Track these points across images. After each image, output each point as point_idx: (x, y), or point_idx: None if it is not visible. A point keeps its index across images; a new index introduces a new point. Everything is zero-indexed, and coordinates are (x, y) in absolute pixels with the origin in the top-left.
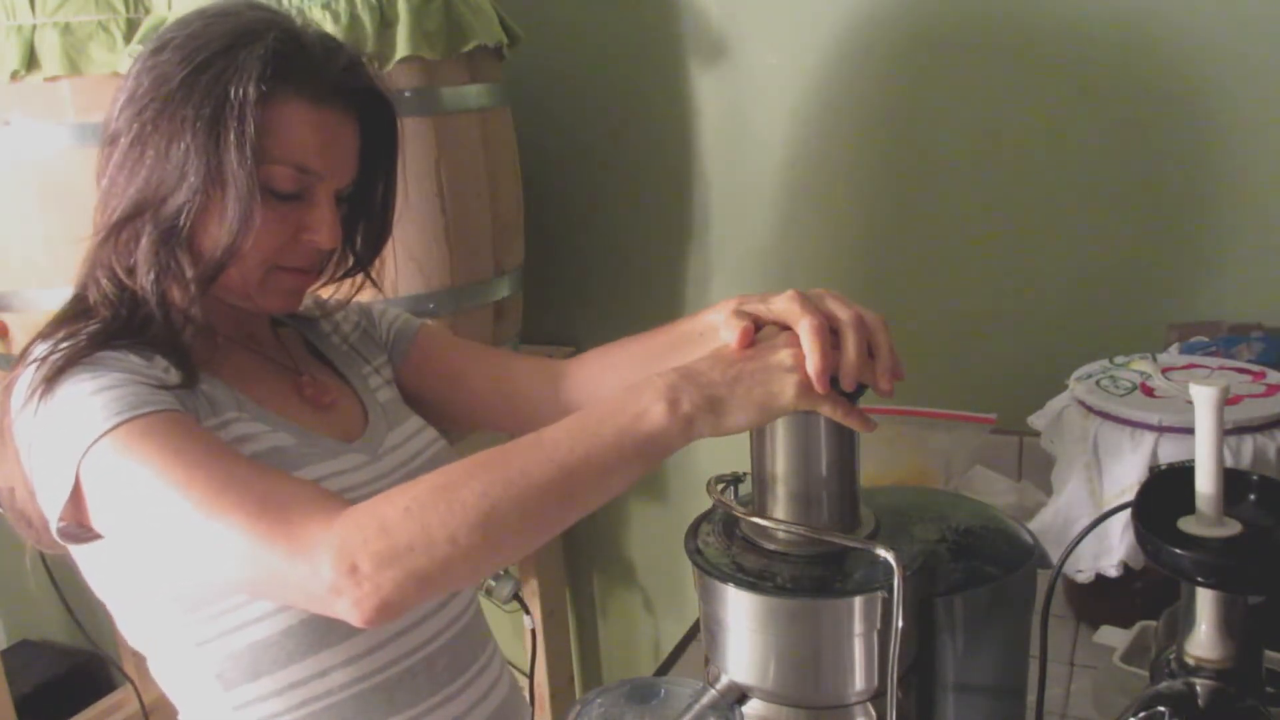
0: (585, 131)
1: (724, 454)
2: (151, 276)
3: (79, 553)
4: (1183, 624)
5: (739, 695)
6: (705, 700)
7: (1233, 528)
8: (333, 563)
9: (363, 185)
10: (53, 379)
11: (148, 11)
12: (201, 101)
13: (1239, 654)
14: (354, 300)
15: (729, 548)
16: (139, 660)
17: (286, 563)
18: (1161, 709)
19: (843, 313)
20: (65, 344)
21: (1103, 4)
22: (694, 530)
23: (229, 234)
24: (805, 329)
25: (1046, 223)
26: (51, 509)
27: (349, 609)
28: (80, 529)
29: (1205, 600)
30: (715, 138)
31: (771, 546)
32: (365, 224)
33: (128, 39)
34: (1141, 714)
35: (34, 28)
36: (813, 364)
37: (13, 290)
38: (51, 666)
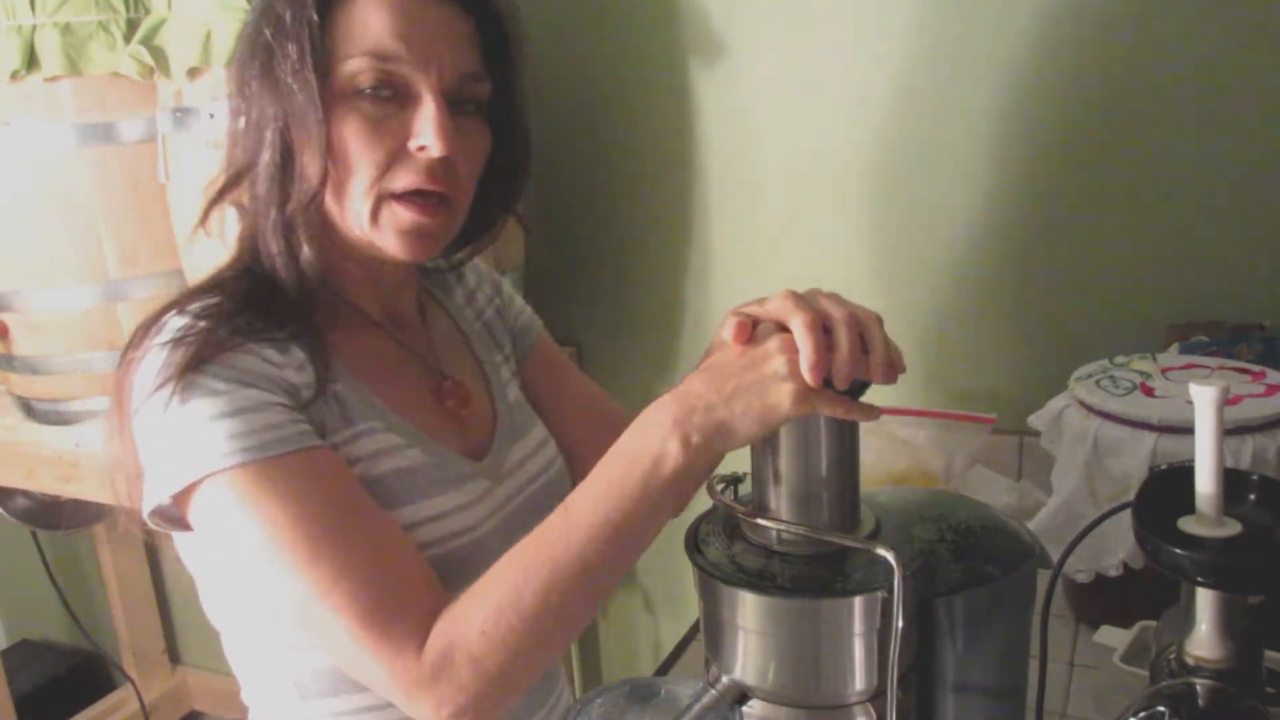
0: (585, 131)
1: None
2: (276, 240)
3: (180, 537)
4: (1183, 624)
5: (739, 695)
6: (705, 700)
7: (1233, 528)
8: (431, 706)
9: (497, 102)
10: (186, 375)
11: (148, 11)
12: (258, 32)
13: (1239, 654)
14: (480, 265)
15: (729, 548)
16: (139, 660)
17: (384, 678)
18: (1161, 709)
19: (835, 310)
20: (203, 322)
21: (1103, 5)
22: (694, 530)
23: (313, 153)
24: (798, 325)
25: (1046, 222)
26: (148, 505)
27: None
28: (178, 519)
29: (1205, 600)
30: (716, 138)
31: (771, 546)
32: (498, 149)
33: (128, 39)
34: (1141, 714)
35: (34, 28)
36: (806, 358)
37: (13, 290)
38: (51, 666)
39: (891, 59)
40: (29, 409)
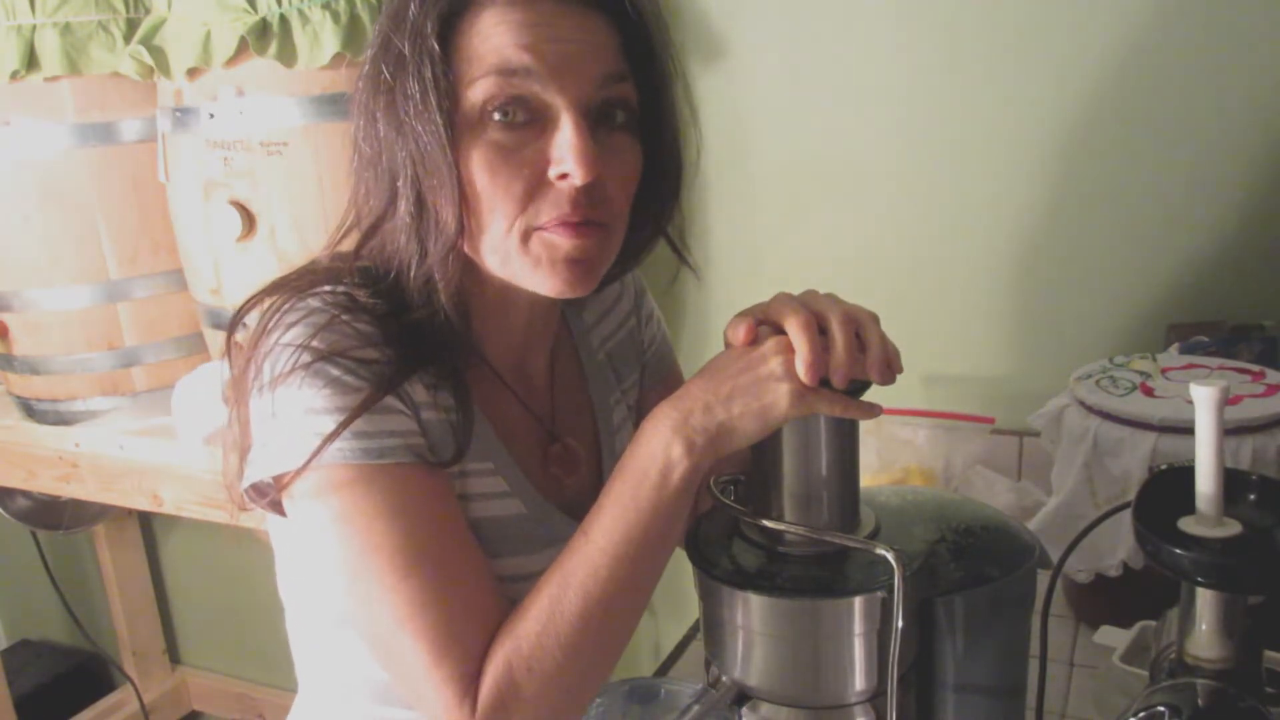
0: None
1: None
2: (419, 293)
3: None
4: (1183, 624)
5: (739, 695)
6: (705, 700)
7: (1233, 528)
8: None
9: (644, 111)
10: (320, 362)
11: (148, 11)
12: (378, 72)
13: (1239, 654)
14: (632, 275)
15: (729, 548)
16: (139, 660)
17: (438, 713)
18: (1161, 709)
19: (831, 310)
20: (347, 318)
21: (1103, 6)
22: (694, 530)
23: (447, 200)
24: (793, 325)
25: (1046, 222)
26: (249, 478)
27: None
28: (272, 499)
29: (1205, 600)
30: (715, 138)
31: (771, 546)
32: (648, 163)
33: (128, 39)
34: (1141, 714)
35: (34, 28)
36: (802, 358)
37: (13, 290)
38: (51, 666)
39: (891, 59)
40: (29, 409)
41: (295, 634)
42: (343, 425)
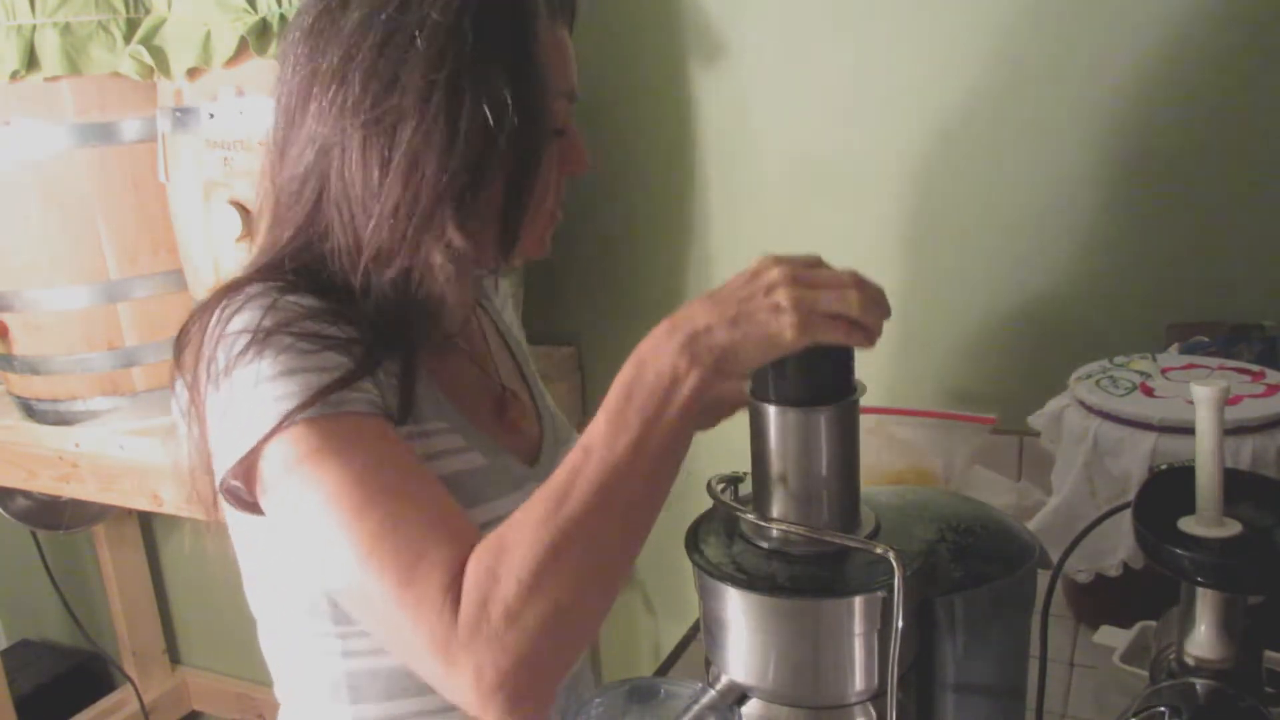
0: (585, 130)
1: (724, 454)
2: (454, 256)
3: (236, 520)
4: (1183, 624)
5: (739, 695)
6: (705, 700)
7: (1233, 528)
8: (471, 670)
9: None
10: (270, 336)
11: (148, 11)
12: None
13: (1239, 654)
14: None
15: (729, 548)
16: (139, 660)
17: (421, 643)
18: (1161, 709)
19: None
20: (292, 296)
21: (1104, 7)
22: (694, 530)
23: (526, 193)
24: (836, 277)
25: (1046, 222)
26: (220, 468)
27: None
28: (245, 495)
29: (1205, 600)
30: (715, 136)
31: (771, 546)
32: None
33: (128, 39)
34: (1141, 714)
35: (34, 28)
36: (856, 301)
37: (13, 290)
38: (51, 666)
39: (891, 59)
40: (29, 409)
41: (269, 644)
42: (324, 392)
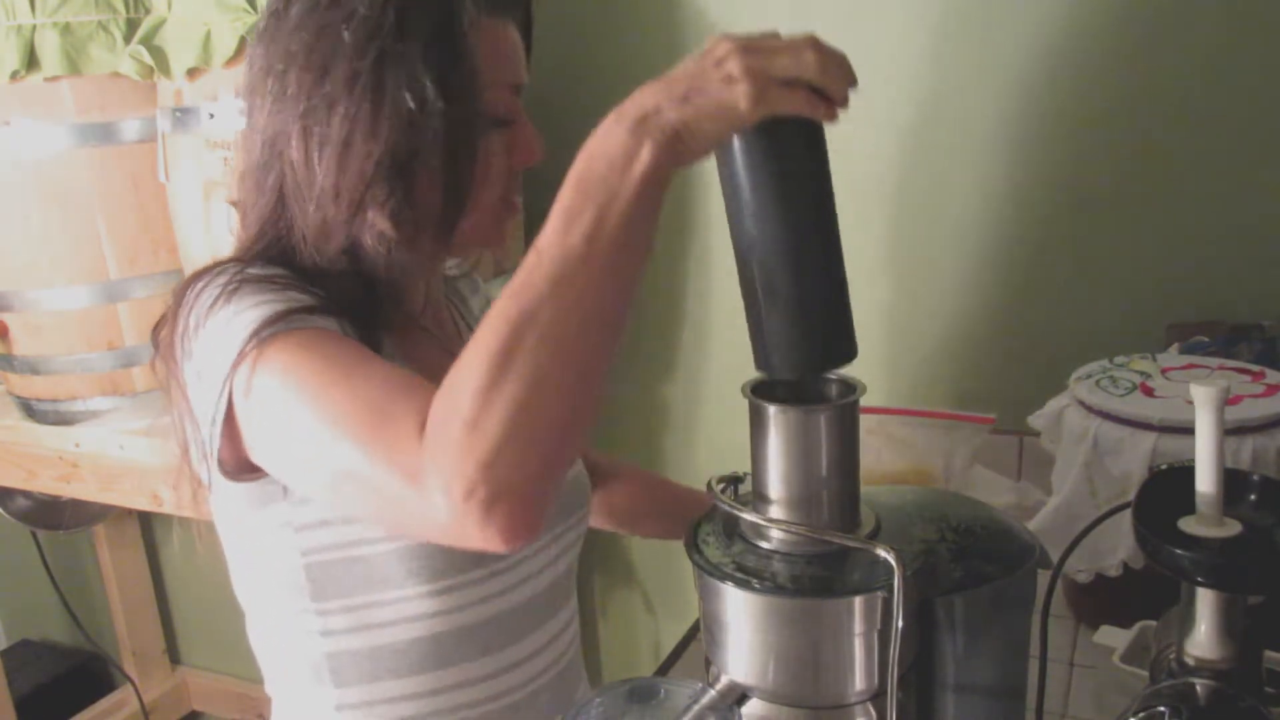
0: (584, 131)
1: (724, 454)
2: (384, 240)
3: (221, 499)
4: (1183, 624)
5: (739, 695)
6: (705, 700)
7: (1233, 528)
8: (440, 488)
9: None
10: (239, 285)
11: (148, 11)
12: (410, 37)
13: (1239, 654)
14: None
15: (729, 548)
16: (139, 660)
17: (396, 485)
18: (1161, 709)
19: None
20: (257, 268)
21: (1104, 7)
22: (694, 530)
23: (461, 179)
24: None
25: (1046, 222)
26: (210, 438)
27: (486, 540)
28: (236, 464)
29: (1205, 600)
30: None
31: (771, 546)
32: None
33: (128, 39)
34: (1141, 714)
35: (34, 28)
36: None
37: (13, 290)
38: (51, 666)
39: (890, 59)
40: (29, 409)
41: (255, 633)
42: (289, 313)
